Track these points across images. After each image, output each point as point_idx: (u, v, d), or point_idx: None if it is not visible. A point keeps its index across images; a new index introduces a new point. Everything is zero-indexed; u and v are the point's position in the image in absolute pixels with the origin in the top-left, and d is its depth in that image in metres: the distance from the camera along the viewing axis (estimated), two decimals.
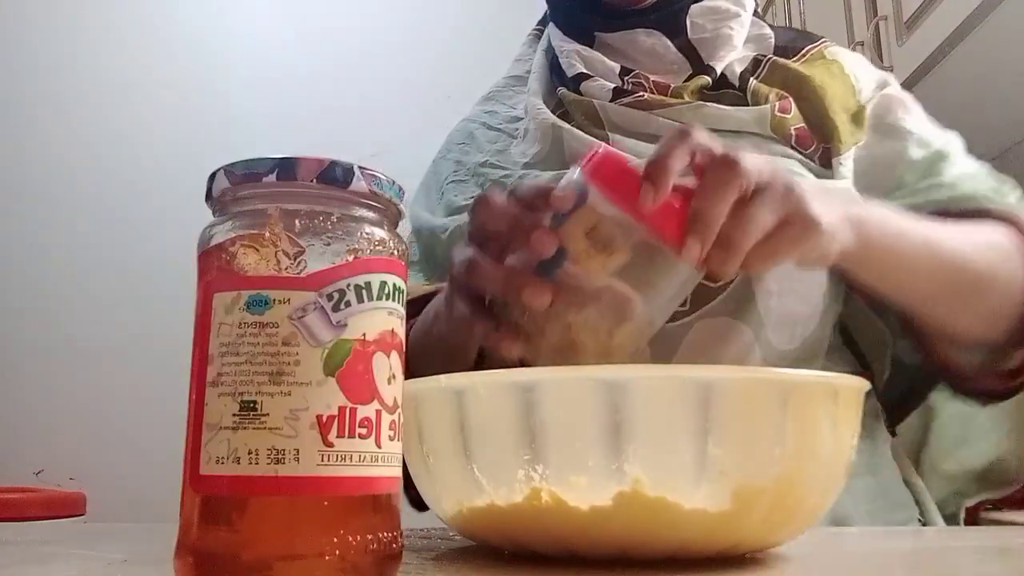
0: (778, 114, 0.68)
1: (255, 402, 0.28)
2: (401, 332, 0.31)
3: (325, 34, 2.18)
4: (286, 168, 0.29)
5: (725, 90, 0.69)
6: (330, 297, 0.28)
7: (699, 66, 0.70)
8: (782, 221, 0.46)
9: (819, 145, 0.67)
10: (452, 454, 0.35)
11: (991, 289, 0.59)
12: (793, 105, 0.67)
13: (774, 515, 0.34)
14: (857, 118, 0.68)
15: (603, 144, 0.46)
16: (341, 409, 0.28)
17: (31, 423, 1.93)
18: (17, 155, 2.05)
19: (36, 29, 2.12)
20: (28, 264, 2.01)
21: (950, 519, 0.69)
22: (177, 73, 2.12)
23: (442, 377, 0.36)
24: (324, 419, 0.28)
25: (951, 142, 0.68)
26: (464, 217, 0.67)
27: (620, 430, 0.32)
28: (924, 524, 0.65)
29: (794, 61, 0.70)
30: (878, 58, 1.35)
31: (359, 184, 0.30)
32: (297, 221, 0.29)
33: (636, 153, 0.55)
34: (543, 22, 0.81)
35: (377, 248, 0.30)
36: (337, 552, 0.28)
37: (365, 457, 0.28)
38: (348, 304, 0.29)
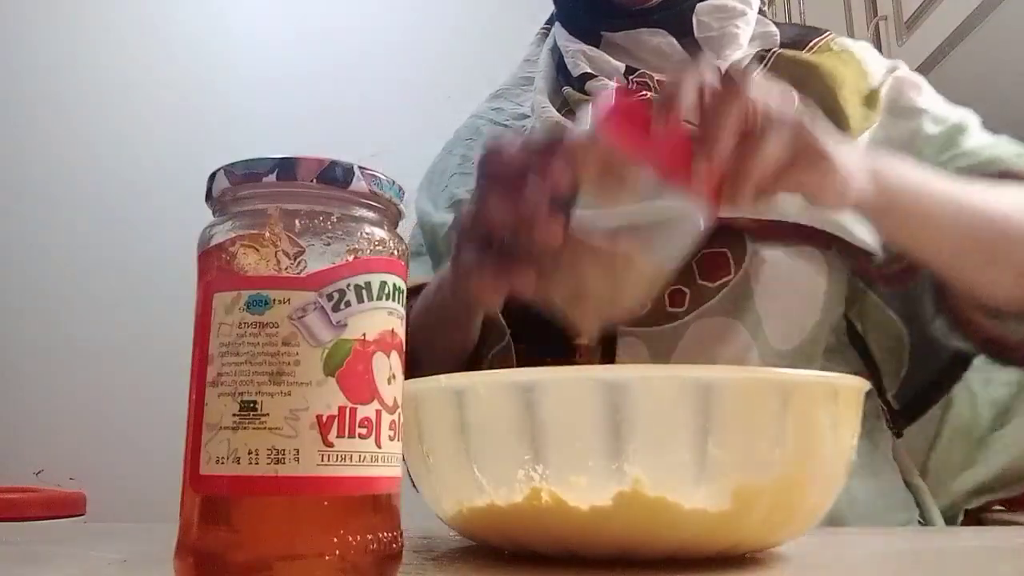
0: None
1: (255, 402, 0.28)
2: (401, 332, 0.31)
3: (325, 34, 2.18)
4: (286, 168, 0.29)
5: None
6: (330, 297, 0.28)
7: None
8: (794, 155, 0.45)
9: None
10: (452, 454, 0.35)
11: (1021, 243, 0.57)
12: (797, 98, 0.67)
13: (774, 515, 0.34)
14: (870, 101, 0.67)
15: (614, 86, 0.45)
16: (341, 409, 0.28)
17: (31, 423, 1.93)
18: (17, 155, 2.05)
19: (36, 29, 2.12)
20: (28, 264, 2.01)
21: (951, 521, 0.69)
22: (177, 73, 2.12)
23: (442, 377, 0.36)
24: (324, 419, 0.28)
25: (967, 116, 0.67)
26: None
27: (620, 430, 0.32)
28: (925, 525, 0.65)
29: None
30: None
31: (359, 184, 0.30)
32: (297, 221, 0.29)
33: None
34: (550, 21, 0.81)
35: (377, 248, 0.30)
36: (337, 552, 0.28)
37: (365, 457, 0.28)
38: (348, 304, 0.29)
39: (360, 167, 0.30)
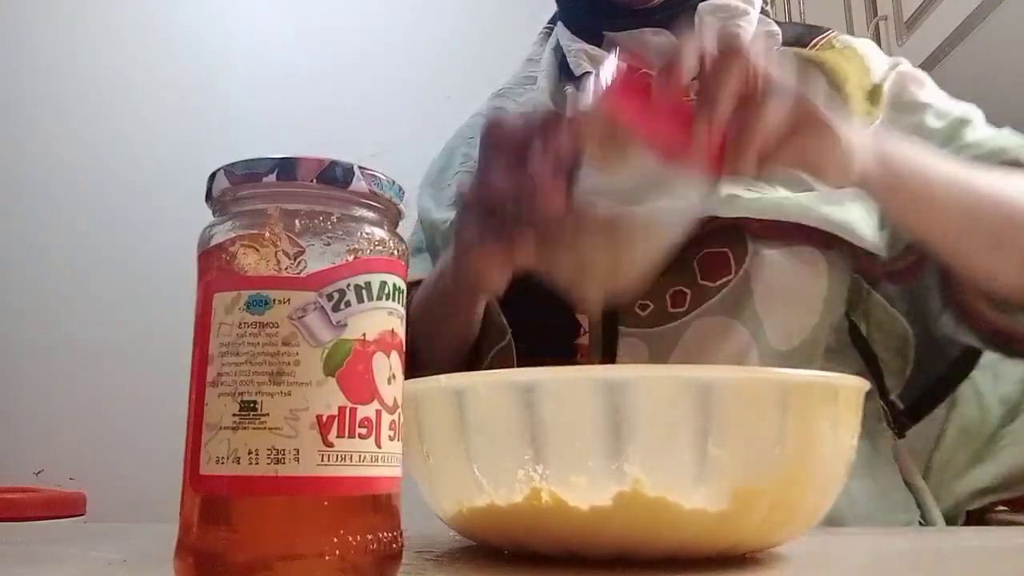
0: None
1: (255, 402, 0.28)
2: (401, 332, 0.31)
3: (325, 34, 2.18)
4: (286, 168, 0.29)
5: None
6: (330, 297, 0.28)
7: None
8: (795, 122, 0.45)
9: None
10: (452, 454, 0.35)
11: None
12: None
13: (774, 515, 0.34)
14: (873, 96, 0.67)
15: (615, 56, 0.45)
16: (341, 409, 0.28)
17: (31, 423, 1.93)
18: (17, 155, 2.05)
19: (36, 29, 2.12)
20: (28, 264, 2.01)
21: (953, 521, 0.69)
22: (177, 73, 2.12)
23: (442, 377, 0.36)
24: (324, 419, 0.28)
25: (970, 111, 0.67)
26: None
27: (620, 430, 0.32)
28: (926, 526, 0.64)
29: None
30: None
31: (359, 184, 0.30)
32: (297, 221, 0.29)
33: None
34: (553, 21, 0.81)
35: (377, 248, 0.30)
36: (337, 552, 0.28)
37: (365, 457, 0.28)
38: (348, 304, 0.29)
39: (360, 167, 0.30)
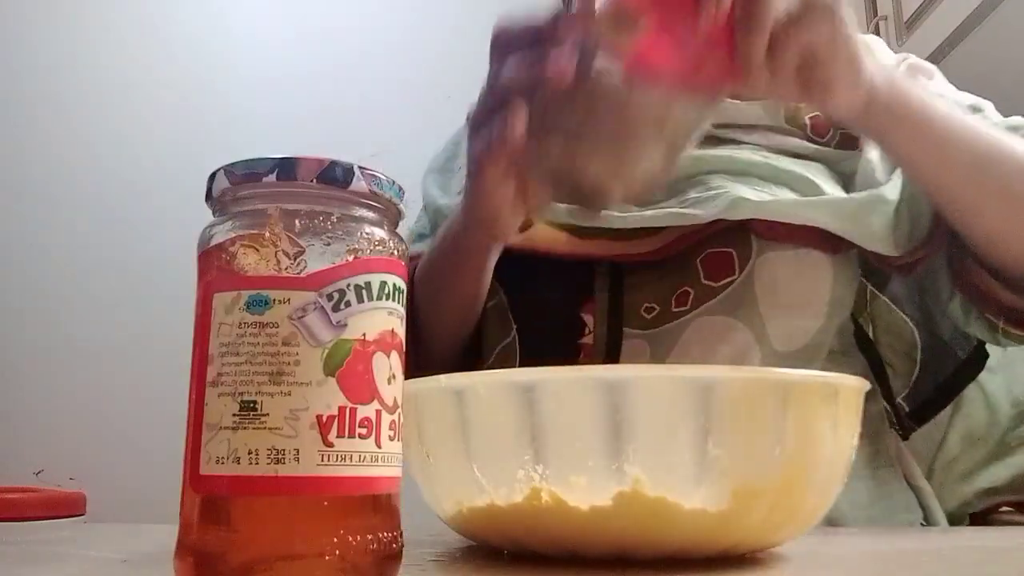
0: (791, 105, 0.68)
1: (255, 402, 0.28)
2: (401, 332, 0.31)
3: (325, 34, 2.18)
4: (286, 168, 0.29)
5: None
6: (330, 297, 0.28)
7: None
8: (803, 7, 0.45)
9: (836, 132, 0.67)
10: (452, 454, 0.35)
11: None
12: None
13: (774, 515, 0.34)
14: None
15: None
16: (341, 409, 0.28)
17: (31, 423, 1.93)
18: (17, 155, 2.05)
19: (36, 29, 2.12)
20: (28, 264, 2.01)
21: (957, 523, 0.69)
22: (177, 73, 2.12)
23: (442, 377, 0.36)
24: (324, 419, 0.28)
25: (981, 102, 0.67)
26: None
27: (620, 430, 0.32)
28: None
29: None
30: None
31: (359, 184, 0.30)
32: (297, 221, 0.29)
33: None
34: None
35: (377, 248, 0.30)
36: (337, 552, 0.28)
37: (365, 457, 0.28)
38: (348, 304, 0.29)
39: (360, 167, 0.30)
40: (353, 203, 0.30)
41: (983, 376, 0.67)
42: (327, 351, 0.28)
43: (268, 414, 0.27)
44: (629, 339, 0.63)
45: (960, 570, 0.38)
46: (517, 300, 0.68)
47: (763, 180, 0.63)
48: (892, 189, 0.61)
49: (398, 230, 0.32)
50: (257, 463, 0.27)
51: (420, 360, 0.66)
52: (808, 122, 0.67)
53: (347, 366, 0.28)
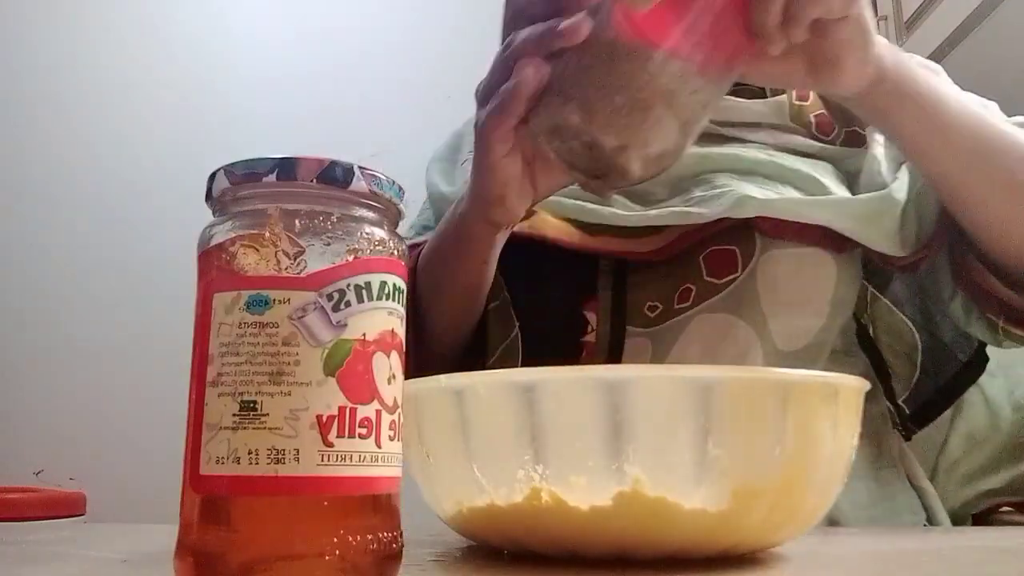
0: (796, 103, 0.67)
1: (255, 402, 0.28)
2: (401, 332, 0.31)
3: (325, 34, 2.18)
4: (286, 168, 0.29)
5: (742, 84, 0.68)
6: (330, 297, 0.28)
7: None
8: None
9: (841, 130, 0.67)
10: (452, 454, 0.35)
11: None
12: (812, 92, 0.67)
13: (774, 515, 0.34)
14: None
15: None
16: (341, 409, 0.28)
17: (31, 423, 1.93)
18: (17, 155, 2.05)
19: (36, 29, 2.12)
20: (28, 264, 2.01)
21: (959, 523, 0.69)
22: (177, 73, 2.12)
23: (442, 377, 0.36)
24: (324, 419, 0.28)
25: (987, 102, 0.66)
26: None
27: (620, 430, 0.32)
28: None
29: None
30: None
31: (359, 184, 0.30)
32: (297, 221, 0.29)
33: None
34: None
35: (377, 248, 0.30)
36: (337, 552, 0.28)
37: (365, 457, 0.28)
38: (348, 304, 0.29)
39: (360, 167, 0.30)
40: (353, 203, 0.30)
41: (983, 379, 0.67)
42: (327, 351, 0.28)
43: (268, 414, 0.27)
44: (631, 337, 0.63)
45: (960, 570, 0.38)
46: (520, 298, 0.68)
47: (768, 178, 0.63)
48: (899, 188, 0.61)
49: (398, 230, 0.32)
50: (257, 463, 0.27)
51: (421, 360, 0.65)
52: (813, 120, 0.67)
53: (347, 366, 0.28)
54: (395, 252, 0.31)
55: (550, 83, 0.47)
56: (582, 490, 0.32)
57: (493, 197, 0.53)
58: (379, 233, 0.30)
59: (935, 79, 0.55)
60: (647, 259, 0.62)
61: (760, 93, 0.68)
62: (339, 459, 0.28)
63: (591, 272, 0.65)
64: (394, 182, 0.31)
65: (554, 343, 0.65)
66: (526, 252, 0.64)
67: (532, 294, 0.67)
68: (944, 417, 0.68)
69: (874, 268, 0.66)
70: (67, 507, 1.68)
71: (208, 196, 0.31)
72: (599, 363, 0.63)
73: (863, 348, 0.67)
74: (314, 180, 0.29)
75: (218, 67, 2.14)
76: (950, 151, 0.55)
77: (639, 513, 0.32)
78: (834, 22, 0.47)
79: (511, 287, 0.68)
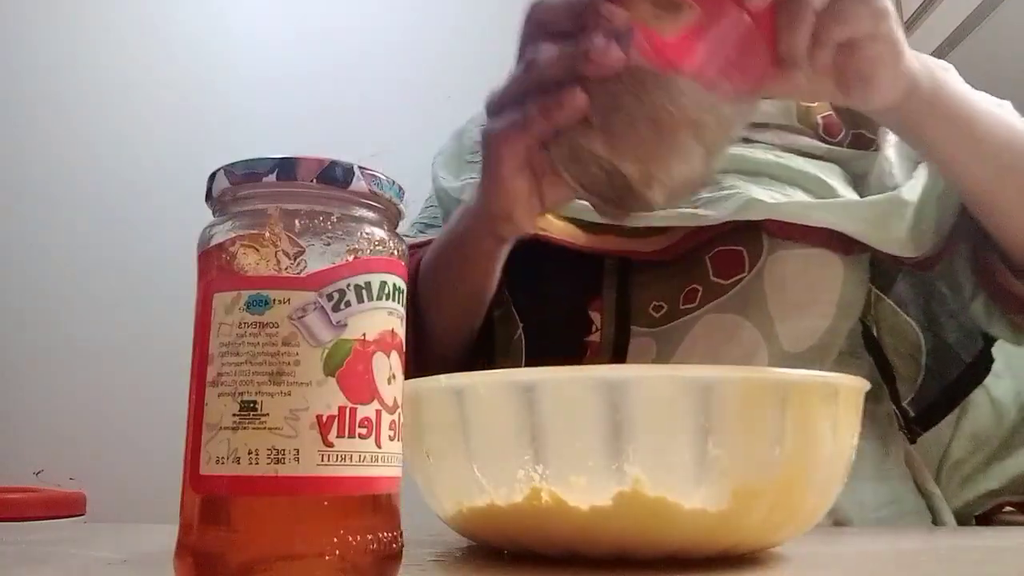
0: (803, 104, 0.67)
1: (255, 402, 0.28)
2: (401, 332, 0.31)
3: (325, 34, 2.18)
4: (286, 168, 0.29)
5: None
6: (330, 297, 0.28)
7: None
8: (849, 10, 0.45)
9: (848, 132, 0.67)
10: (452, 454, 0.35)
11: None
12: None
13: (774, 515, 0.34)
14: None
15: None
16: (341, 409, 0.28)
17: (31, 423, 1.93)
18: (17, 155, 2.05)
19: (36, 29, 2.12)
20: (28, 264, 2.01)
21: (961, 524, 0.68)
22: (177, 73, 2.12)
23: (442, 377, 0.36)
24: (324, 419, 0.28)
25: (1002, 102, 0.67)
26: (474, 182, 0.66)
27: (620, 430, 0.32)
28: None
29: None
30: None
31: (359, 184, 0.30)
32: (297, 221, 0.29)
33: None
34: None
35: (377, 248, 0.30)
36: (337, 552, 0.28)
37: (365, 457, 0.28)
38: (348, 304, 0.29)
39: (360, 167, 0.30)
40: (353, 203, 0.30)
41: (989, 380, 0.67)
42: (327, 351, 0.28)
43: (268, 414, 0.27)
44: (636, 337, 0.62)
45: (960, 570, 0.38)
46: (523, 297, 0.67)
47: (776, 180, 0.62)
48: (910, 190, 0.61)
49: (398, 230, 0.32)
50: (257, 463, 0.27)
51: (421, 361, 0.65)
52: (820, 121, 0.66)
53: (347, 366, 0.28)
54: (395, 252, 0.31)
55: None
56: (582, 490, 0.32)
57: (501, 212, 0.53)
58: (379, 233, 0.30)
59: (963, 87, 0.55)
60: (652, 259, 0.62)
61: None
62: (339, 459, 0.28)
63: (595, 272, 0.65)
64: (394, 182, 0.31)
65: (558, 343, 0.65)
66: (530, 251, 0.63)
67: (536, 293, 0.67)
68: (949, 418, 0.68)
69: (880, 268, 0.66)
70: (67, 507, 1.68)
71: (208, 196, 0.31)
72: (603, 363, 0.63)
73: (868, 350, 0.67)
74: (314, 180, 0.29)
75: (218, 67, 2.14)
76: (980, 159, 0.55)
77: (639, 513, 0.32)
78: (863, 40, 0.47)
79: (514, 287, 0.68)
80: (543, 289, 0.67)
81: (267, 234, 0.29)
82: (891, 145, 0.65)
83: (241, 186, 0.30)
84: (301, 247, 0.29)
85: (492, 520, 0.35)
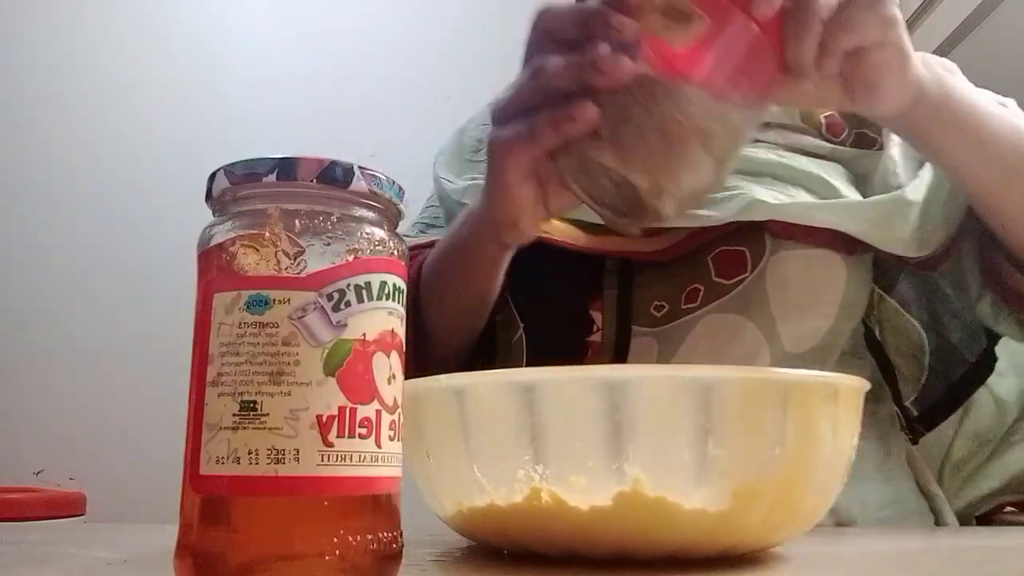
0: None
1: (255, 402, 0.28)
2: (401, 332, 0.31)
3: (325, 34, 2.18)
4: (286, 168, 0.29)
5: None
6: (330, 297, 0.28)
7: None
8: (856, 16, 0.45)
9: (851, 132, 0.67)
10: (452, 454, 0.35)
11: None
12: None
13: (774, 515, 0.34)
14: None
15: None
16: (341, 409, 0.28)
17: (31, 423, 1.93)
18: (17, 155, 2.05)
19: (36, 29, 2.12)
20: (28, 264, 2.01)
21: (963, 524, 0.68)
22: (177, 73, 2.12)
23: (442, 377, 0.36)
24: (324, 419, 0.28)
25: (1006, 100, 0.66)
26: (476, 184, 0.66)
27: (620, 430, 0.32)
28: None
29: None
30: None
31: (359, 184, 0.30)
32: (297, 221, 0.29)
33: None
34: None
35: (377, 248, 0.30)
36: (337, 552, 0.28)
37: (365, 457, 0.28)
38: (348, 304, 0.29)
39: (360, 167, 0.30)
40: (353, 203, 0.30)
41: (992, 379, 0.67)
42: (327, 351, 0.28)
43: (268, 414, 0.27)
44: (637, 337, 0.62)
45: (960, 570, 0.38)
46: (525, 298, 0.67)
47: (779, 180, 0.62)
48: (914, 190, 0.61)
49: (398, 230, 0.32)
50: (257, 463, 0.27)
51: (422, 362, 0.65)
52: (823, 121, 0.66)
53: (347, 366, 0.28)
54: (395, 252, 0.31)
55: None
56: (582, 490, 0.32)
57: (506, 219, 0.52)
58: (379, 233, 0.30)
59: (970, 89, 0.55)
60: (653, 259, 0.62)
61: None
62: (339, 459, 0.28)
63: (596, 272, 0.65)
64: (394, 182, 0.31)
65: (559, 343, 0.65)
66: (531, 252, 0.63)
67: (536, 294, 0.67)
68: (952, 418, 0.68)
69: (883, 268, 0.66)
70: (67, 507, 1.68)
71: (208, 196, 0.31)
72: (604, 363, 0.62)
73: (870, 350, 0.67)
74: (314, 180, 0.29)
75: (218, 67, 2.13)
76: (986, 163, 0.55)
77: (639, 513, 0.32)
78: (871, 48, 0.47)
79: (515, 288, 0.68)
80: (544, 290, 0.67)
81: (267, 234, 0.29)
82: (895, 144, 0.65)
83: (241, 186, 0.30)
84: (301, 247, 0.29)
85: (492, 520, 0.35)
